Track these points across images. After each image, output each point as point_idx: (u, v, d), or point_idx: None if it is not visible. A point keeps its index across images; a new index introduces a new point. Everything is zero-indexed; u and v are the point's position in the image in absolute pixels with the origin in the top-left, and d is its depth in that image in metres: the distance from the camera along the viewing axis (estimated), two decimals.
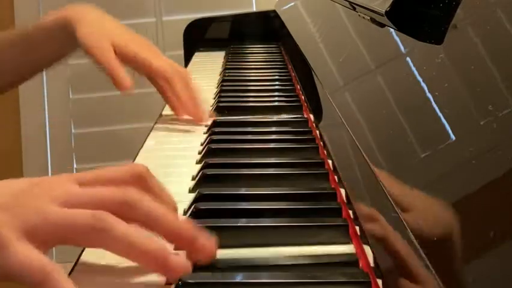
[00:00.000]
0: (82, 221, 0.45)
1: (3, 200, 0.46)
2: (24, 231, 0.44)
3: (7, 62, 0.96)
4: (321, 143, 0.76)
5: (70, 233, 0.45)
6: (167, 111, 1.01)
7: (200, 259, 0.48)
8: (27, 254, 0.43)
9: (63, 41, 0.96)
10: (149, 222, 0.47)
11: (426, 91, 0.51)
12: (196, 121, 0.91)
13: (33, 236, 0.44)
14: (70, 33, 0.93)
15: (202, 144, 0.81)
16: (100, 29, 0.92)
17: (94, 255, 0.52)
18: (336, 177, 0.65)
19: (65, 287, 0.43)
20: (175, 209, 0.53)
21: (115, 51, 0.90)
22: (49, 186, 0.48)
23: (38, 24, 0.97)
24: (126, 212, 0.47)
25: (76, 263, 0.52)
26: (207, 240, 0.48)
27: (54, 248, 0.46)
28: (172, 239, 0.48)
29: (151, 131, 0.91)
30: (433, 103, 0.49)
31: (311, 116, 0.88)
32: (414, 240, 0.40)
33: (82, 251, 0.53)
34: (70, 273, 0.50)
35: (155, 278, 0.48)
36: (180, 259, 0.47)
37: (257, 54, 1.42)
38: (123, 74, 0.88)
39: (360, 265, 0.49)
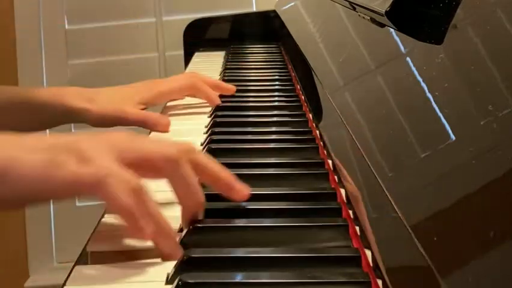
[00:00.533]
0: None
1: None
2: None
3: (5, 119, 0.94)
4: (321, 143, 0.76)
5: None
6: (167, 111, 1.01)
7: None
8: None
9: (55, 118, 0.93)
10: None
11: (426, 91, 0.51)
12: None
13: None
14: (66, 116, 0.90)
15: (202, 144, 0.81)
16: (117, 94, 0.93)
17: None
18: (336, 177, 0.65)
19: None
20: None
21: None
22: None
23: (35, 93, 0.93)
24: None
25: (80, 256, 0.53)
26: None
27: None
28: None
29: (151, 131, 0.91)
30: (433, 103, 0.49)
31: (311, 116, 0.88)
32: (415, 240, 0.40)
33: (84, 247, 0.54)
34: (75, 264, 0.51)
35: (154, 278, 0.49)
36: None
37: (257, 54, 1.42)
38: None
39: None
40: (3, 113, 0.89)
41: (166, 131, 0.89)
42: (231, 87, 1.03)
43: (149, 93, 0.95)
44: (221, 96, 1.03)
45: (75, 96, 0.89)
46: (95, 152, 0.51)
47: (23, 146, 0.52)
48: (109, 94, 0.92)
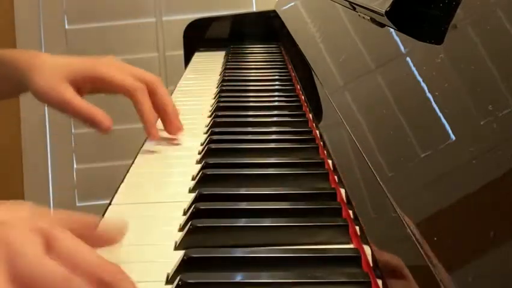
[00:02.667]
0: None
1: None
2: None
3: None
4: (321, 143, 0.76)
5: None
6: None
7: None
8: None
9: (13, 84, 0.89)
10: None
11: (426, 91, 0.51)
12: (171, 133, 0.85)
13: None
14: (19, 81, 0.86)
15: (202, 144, 0.81)
16: (51, 70, 0.84)
17: None
18: (336, 177, 0.65)
19: None
20: None
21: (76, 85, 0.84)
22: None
23: None
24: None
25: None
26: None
27: None
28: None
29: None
30: (433, 103, 0.49)
31: (311, 116, 0.88)
32: (415, 240, 0.40)
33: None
34: None
35: (154, 278, 0.49)
36: None
37: (257, 54, 1.42)
38: (95, 112, 0.83)
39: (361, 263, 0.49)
40: None
41: (107, 132, 0.82)
42: (178, 126, 0.86)
43: (89, 73, 0.85)
44: (221, 95, 1.03)
45: (25, 64, 0.85)
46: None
47: None
48: (52, 66, 0.85)
